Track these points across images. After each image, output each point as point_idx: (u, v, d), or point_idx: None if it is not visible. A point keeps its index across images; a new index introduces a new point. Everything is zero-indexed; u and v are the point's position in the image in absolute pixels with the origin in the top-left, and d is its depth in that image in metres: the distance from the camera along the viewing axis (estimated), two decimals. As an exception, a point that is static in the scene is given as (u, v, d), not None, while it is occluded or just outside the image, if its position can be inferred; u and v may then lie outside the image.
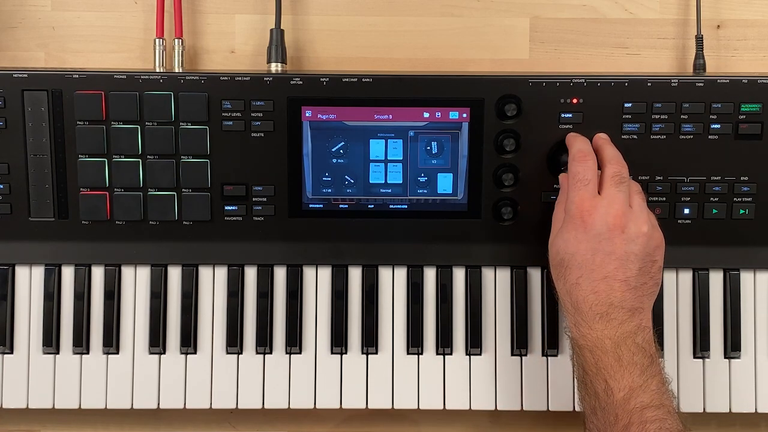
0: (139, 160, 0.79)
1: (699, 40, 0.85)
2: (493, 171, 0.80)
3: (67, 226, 0.80)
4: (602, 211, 0.71)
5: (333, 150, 0.80)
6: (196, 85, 0.79)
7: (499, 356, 0.82)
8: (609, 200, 0.72)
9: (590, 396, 0.69)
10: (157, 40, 0.84)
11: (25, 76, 0.78)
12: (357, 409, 0.82)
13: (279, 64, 0.83)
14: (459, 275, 0.83)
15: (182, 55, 0.84)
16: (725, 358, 0.82)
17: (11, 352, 0.82)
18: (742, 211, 0.80)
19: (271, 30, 0.84)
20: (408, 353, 0.82)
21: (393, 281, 0.83)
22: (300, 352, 0.82)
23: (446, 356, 0.82)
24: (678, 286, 0.83)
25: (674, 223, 0.81)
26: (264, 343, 0.82)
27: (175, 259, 0.82)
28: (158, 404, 0.82)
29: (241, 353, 0.82)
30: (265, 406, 0.82)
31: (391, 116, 0.79)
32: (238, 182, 0.80)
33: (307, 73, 0.80)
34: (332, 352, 0.82)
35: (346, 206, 0.81)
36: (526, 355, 0.82)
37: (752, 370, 0.82)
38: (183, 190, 0.80)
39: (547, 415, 0.83)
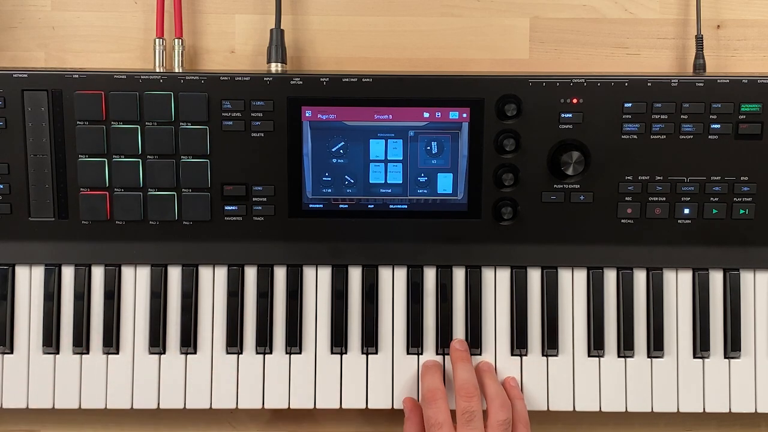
0: (139, 160, 0.79)
1: (699, 40, 0.85)
2: (493, 171, 0.80)
3: (67, 226, 0.80)
4: None
5: (333, 150, 0.80)
6: (196, 85, 0.79)
7: (499, 356, 0.82)
8: None
9: None
10: (157, 40, 0.84)
11: (25, 76, 0.78)
12: (357, 409, 0.82)
13: (279, 64, 0.83)
14: (459, 275, 0.83)
15: (182, 55, 0.84)
16: (725, 358, 0.82)
17: (11, 352, 0.82)
18: (742, 211, 0.80)
19: (271, 30, 0.84)
20: (408, 353, 0.82)
21: (393, 281, 0.83)
22: (300, 352, 0.82)
23: (446, 356, 0.82)
24: (678, 286, 0.83)
25: (674, 223, 0.81)
26: (264, 343, 0.82)
27: (175, 259, 0.82)
28: (158, 404, 0.82)
29: (241, 353, 0.82)
30: (265, 406, 0.82)
31: (391, 116, 0.79)
32: (238, 182, 0.80)
33: (307, 73, 0.80)
34: (332, 352, 0.82)
35: (346, 206, 0.81)
36: (526, 355, 0.82)
37: (752, 370, 0.82)
38: (183, 190, 0.80)
39: (547, 415, 0.83)
